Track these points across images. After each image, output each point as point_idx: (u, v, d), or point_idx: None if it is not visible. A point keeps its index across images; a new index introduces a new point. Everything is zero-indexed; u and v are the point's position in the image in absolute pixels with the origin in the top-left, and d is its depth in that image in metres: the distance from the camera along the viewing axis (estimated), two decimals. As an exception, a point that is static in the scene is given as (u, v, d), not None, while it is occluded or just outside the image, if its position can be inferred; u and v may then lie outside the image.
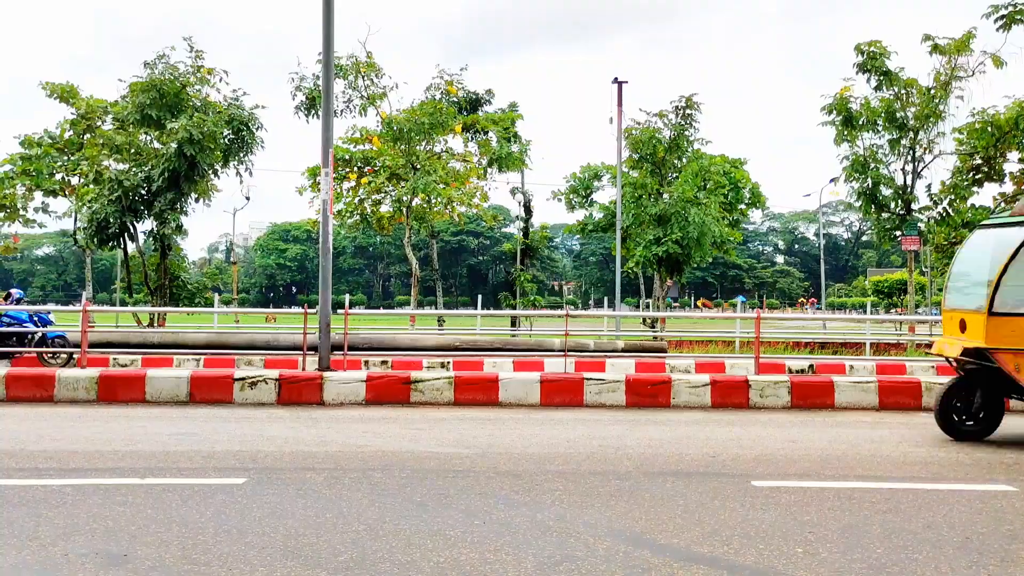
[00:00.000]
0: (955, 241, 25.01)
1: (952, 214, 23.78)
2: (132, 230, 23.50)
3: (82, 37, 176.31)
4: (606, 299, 58.83)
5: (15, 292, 17.68)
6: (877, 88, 23.18)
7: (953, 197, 23.78)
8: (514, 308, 32.67)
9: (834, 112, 23.45)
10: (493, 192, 29.78)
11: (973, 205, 24.49)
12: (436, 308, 38.25)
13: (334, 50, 12.65)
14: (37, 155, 28.33)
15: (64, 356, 15.19)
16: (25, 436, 8.04)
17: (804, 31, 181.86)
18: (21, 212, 30.78)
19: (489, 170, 28.46)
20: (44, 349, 15.26)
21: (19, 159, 28.56)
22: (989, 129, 22.73)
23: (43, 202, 31.26)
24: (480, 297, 34.24)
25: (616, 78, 27.87)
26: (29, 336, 15.53)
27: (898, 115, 23.02)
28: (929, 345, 21.93)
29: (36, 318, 16.03)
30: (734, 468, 7.05)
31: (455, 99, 28.18)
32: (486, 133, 28.54)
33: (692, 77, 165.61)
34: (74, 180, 28.92)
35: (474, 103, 29.24)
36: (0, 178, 28.73)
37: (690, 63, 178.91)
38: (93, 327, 21.27)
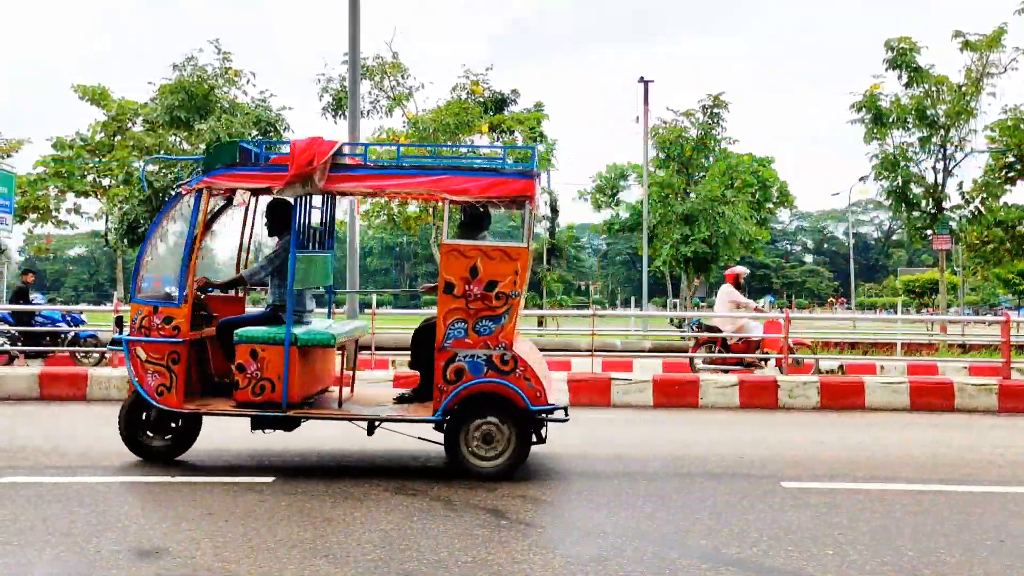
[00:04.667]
0: (987, 240, 24.70)
1: (984, 212, 23.45)
2: (162, 230, 23.76)
3: (111, 40, 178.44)
4: (633, 299, 58.63)
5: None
6: (907, 85, 22.91)
7: (985, 195, 23.45)
8: (541, 308, 32.67)
9: (863, 110, 23.21)
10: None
11: (1006, 203, 24.16)
12: (462, 308, 38.24)
13: (360, 51, 12.71)
14: (69, 157, 28.73)
15: (96, 355, 15.37)
16: (59, 434, 8.16)
17: (839, 29, 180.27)
18: (53, 213, 31.26)
19: (515, 170, 28.47)
20: (76, 348, 15.45)
21: (51, 161, 28.99)
22: (1022, 126, 22.40)
23: (75, 203, 31.73)
24: (506, 297, 34.22)
25: (642, 77, 27.85)
26: (62, 335, 15.73)
27: (928, 112, 22.73)
28: (962, 346, 21.67)
29: (69, 318, 16.23)
30: (763, 469, 7.00)
31: (481, 99, 28.22)
32: (512, 133, 28.56)
33: (725, 76, 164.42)
34: (105, 181, 29.31)
35: (500, 103, 29.25)
36: (33, 180, 29.18)
37: (722, 62, 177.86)
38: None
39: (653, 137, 28.51)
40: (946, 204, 23.59)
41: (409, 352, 7.30)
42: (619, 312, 49.91)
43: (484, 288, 6.20)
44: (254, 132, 23.66)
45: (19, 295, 15.80)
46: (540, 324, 29.49)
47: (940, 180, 23.48)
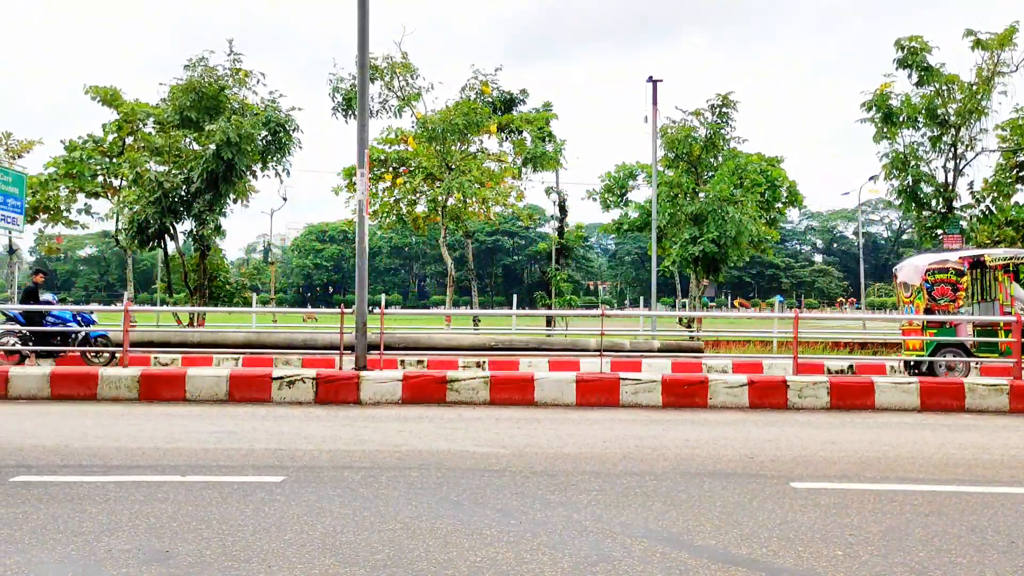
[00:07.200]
0: (998, 240, 24.57)
1: (995, 212, 23.37)
2: (172, 231, 23.85)
3: (120, 40, 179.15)
4: (642, 299, 58.50)
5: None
6: (918, 84, 22.86)
7: (996, 194, 23.38)
8: (549, 308, 32.64)
9: (874, 109, 23.16)
10: (528, 191, 30.03)
11: (1016, 203, 24.05)
12: (471, 308, 38.36)
13: (369, 51, 12.73)
14: (80, 158, 28.84)
15: (107, 355, 15.44)
16: (69, 433, 8.19)
17: (850, 29, 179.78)
18: (64, 214, 31.38)
19: (524, 170, 28.49)
20: (87, 348, 15.52)
21: (62, 162, 29.11)
22: (1033, 125, 22.33)
23: (86, 204, 31.86)
24: (515, 297, 34.32)
25: (651, 77, 27.77)
26: (73, 335, 15.80)
27: (939, 111, 22.66)
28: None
29: (79, 318, 16.30)
30: (773, 469, 6.98)
31: (489, 99, 28.23)
32: (520, 133, 28.57)
33: (733, 78, 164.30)
34: (116, 182, 29.43)
35: (508, 103, 29.27)
36: (44, 181, 29.30)
37: (731, 64, 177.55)
38: (135, 327, 21.60)
39: (662, 137, 28.45)
40: (957, 203, 23.51)
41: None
42: (628, 312, 49.80)
43: None
44: (263, 133, 23.72)
45: (29, 295, 15.85)
46: (549, 324, 29.46)
47: (951, 179, 23.39)
